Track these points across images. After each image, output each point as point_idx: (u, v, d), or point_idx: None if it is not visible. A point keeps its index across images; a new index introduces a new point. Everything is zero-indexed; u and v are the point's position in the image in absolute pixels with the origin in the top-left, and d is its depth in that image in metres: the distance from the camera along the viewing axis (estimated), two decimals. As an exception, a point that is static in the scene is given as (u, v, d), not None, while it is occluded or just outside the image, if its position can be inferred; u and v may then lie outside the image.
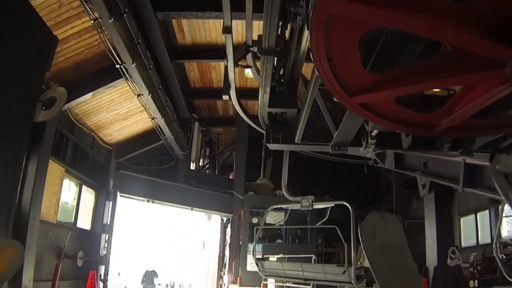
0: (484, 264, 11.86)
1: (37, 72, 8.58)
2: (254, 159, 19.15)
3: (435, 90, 6.71)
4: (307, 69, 8.69)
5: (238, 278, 16.63)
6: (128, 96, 12.58)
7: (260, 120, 8.52)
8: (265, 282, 14.95)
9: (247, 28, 6.81)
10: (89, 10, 7.95)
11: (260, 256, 11.74)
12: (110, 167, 15.04)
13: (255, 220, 17.57)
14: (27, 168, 9.61)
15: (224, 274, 17.93)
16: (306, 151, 10.25)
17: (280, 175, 19.81)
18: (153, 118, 13.15)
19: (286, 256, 13.87)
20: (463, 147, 4.64)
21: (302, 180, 18.64)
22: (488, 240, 13.91)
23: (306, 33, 4.97)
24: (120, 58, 9.36)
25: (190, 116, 17.83)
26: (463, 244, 15.20)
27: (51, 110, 9.39)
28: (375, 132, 6.49)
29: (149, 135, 15.45)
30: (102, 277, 12.79)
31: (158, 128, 14.28)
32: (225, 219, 18.65)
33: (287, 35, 6.30)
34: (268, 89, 6.66)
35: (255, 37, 6.77)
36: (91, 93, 10.87)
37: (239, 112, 9.29)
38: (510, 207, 9.47)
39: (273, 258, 14.65)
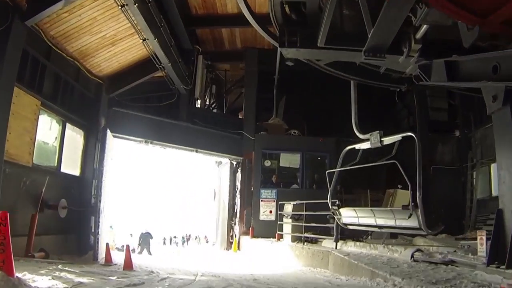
0: None
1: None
2: (264, 100, 17.17)
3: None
4: None
5: (250, 228, 14.99)
6: (113, 14, 10.37)
7: (271, 19, 6.56)
8: (280, 233, 13.24)
9: None
10: None
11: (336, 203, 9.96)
12: (100, 103, 12.99)
13: (267, 163, 15.72)
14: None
15: (234, 224, 16.38)
16: (327, 68, 8.08)
17: (294, 115, 18.10)
18: (144, 40, 11.01)
19: (304, 202, 12.02)
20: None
21: (318, 118, 16.55)
22: None
23: None
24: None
25: (192, 47, 15.63)
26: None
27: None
28: (422, 31, 5.63)
29: (145, 66, 13.28)
30: (92, 229, 11.12)
31: (154, 55, 12.17)
32: (234, 162, 16.79)
33: None
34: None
35: None
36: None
37: (242, 10, 7.23)
38: None
39: (289, 204, 12.87)
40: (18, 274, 4.79)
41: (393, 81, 9.13)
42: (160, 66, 12.72)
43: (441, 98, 17.10)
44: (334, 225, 10.33)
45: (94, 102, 12.90)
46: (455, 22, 5.18)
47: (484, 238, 6.49)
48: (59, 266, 7.00)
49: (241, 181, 16.23)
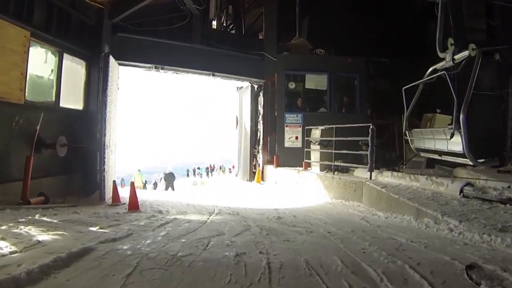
0: None
1: None
2: (286, 21, 15.28)
3: None
4: None
5: (274, 156, 13.92)
6: None
7: None
8: (307, 161, 12.15)
9: None
10: None
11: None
12: (102, 30, 11.54)
13: (292, 85, 14.27)
14: None
15: (257, 152, 15.31)
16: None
17: (318, 35, 16.24)
18: None
19: (334, 126, 10.73)
20: None
21: (345, 37, 14.70)
22: None
23: None
24: None
25: (204, -41, 13.74)
26: None
27: None
28: None
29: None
30: (98, 167, 10.19)
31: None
32: (256, 86, 15.36)
33: None
34: None
35: None
36: None
37: None
38: None
39: (316, 129, 11.65)
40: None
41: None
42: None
43: (479, 18, 15.11)
44: (369, 152, 9.10)
45: (96, 29, 11.42)
46: None
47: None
48: (43, 213, 6.17)
49: (263, 105, 14.91)
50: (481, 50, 7.41)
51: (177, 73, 14.18)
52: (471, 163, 7.35)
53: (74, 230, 4.69)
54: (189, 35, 13.80)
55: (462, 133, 7.09)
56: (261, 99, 15.11)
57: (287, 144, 13.81)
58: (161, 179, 30.70)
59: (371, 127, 9.16)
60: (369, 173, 9.10)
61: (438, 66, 8.58)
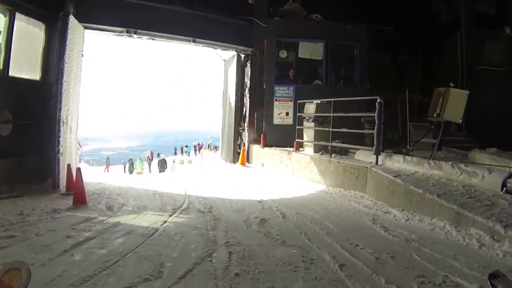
0: None
1: None
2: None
3: None
4: None
5: (261, 135, 12.23)
6: None
7: None
8: (300, 140, 10.47)
9: None
10: None
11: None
12: (66, -13, 9.67)
13: (283, 54, 12.48)
14: None
15: (243, 130, 13.62)
16: None
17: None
18: None
19: (332, 99, 9.03)
20: None
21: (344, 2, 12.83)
22: None
23: None
24: None
25: None
26: None
27: None
28: None
29: None
30: (51, 149, 8.42)
31: None
32: (243, 55, 13.53)
33: None
34: None
35: None
36: None
37: None
38: None
39: (310, 104, 10.01)
40: None
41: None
42: None
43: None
44: (375, 131, 7.45)
45: (58, -14, 9.52)
46: None
47: None
48: None
49: (250, 77, 13.13)
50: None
51: (153, 39, 12.35)
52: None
53: None
54: (166, -2, 11.92)
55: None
56: (248, 69, 13.32)
57: (276, 121, 12.09)
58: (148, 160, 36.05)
59: (378, 100, 7.50)
60: (374, 156, 7.47)
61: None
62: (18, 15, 8.32)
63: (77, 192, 6.24)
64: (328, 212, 5.74)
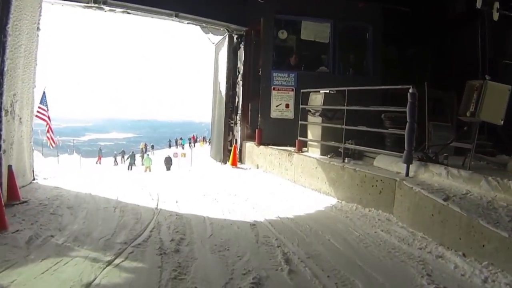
0: None
1: None
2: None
3: None
4: None
5: (257, 131, 10.38)
6: None
7: None
8: (303, 139, 8.60)
9: None
10: None
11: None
12: None
13: (283, 35, 10.59)
14: None
15: (235, 124, 11.70)
16: None
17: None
18: None
19: (345, 88, 7.16)
20: None
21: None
22: None
23: None
24: None
25: None
26: None
27: None
28: None
29: None
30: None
31: None
32: (235, 36, 11.60)
33: None
34: None
35: None
36: None
37: None
38: None
39: (317, 94, 8.20)
40: None
41: None
42: None
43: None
44: (406, 131, 5.65)
45: None
46: None
47: None
48: None
49: (244, 61, 11.23)
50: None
51: (128, 13, 10.37)
52: None
53: None
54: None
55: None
56: (241, 53, 11.41)
57: (274, 114, 10.20)
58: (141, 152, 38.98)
59: (411, 90, 5.70)
60: (402, 165, 5.69)
61: None
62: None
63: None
64: (352, 252, 3.95)
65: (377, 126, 7.39)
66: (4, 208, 4.52)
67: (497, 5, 7.86)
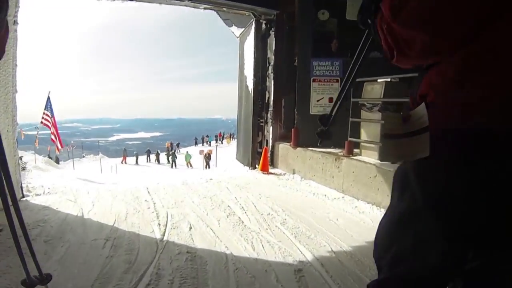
0: None
1: None
2: None
3: None
4: None
5: (292, 130, 8.67)
6: None
7: None
8: (354, 140, 6.80)
9: None
10: None
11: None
12: None
13: (324, 16, 8.84)
14: None
15: (265, 123, 9.97)
16: None
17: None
18: None
19: (412, 75, 5.42)
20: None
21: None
22: None
23: None
24: None
25: None
26: None
27: None
28: None
29: None
30: None
31: None
32: (263, 21, 9.93)
33: None
34: None
35: None
36: None
37: None
38: None
39: (372, 84, 6.43)
40: None
41: None
42: None
43: None
44: None
45: None
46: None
47: None
48: None
49: (275, 50, 9.56)
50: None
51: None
52: None
53: None
54: None
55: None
56: (272, 40, 9.73)
57: (314, 110, 8.47)
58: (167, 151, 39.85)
59: None
60: None
61: None
62: None
63: None
64: None
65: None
66: None
67: None
